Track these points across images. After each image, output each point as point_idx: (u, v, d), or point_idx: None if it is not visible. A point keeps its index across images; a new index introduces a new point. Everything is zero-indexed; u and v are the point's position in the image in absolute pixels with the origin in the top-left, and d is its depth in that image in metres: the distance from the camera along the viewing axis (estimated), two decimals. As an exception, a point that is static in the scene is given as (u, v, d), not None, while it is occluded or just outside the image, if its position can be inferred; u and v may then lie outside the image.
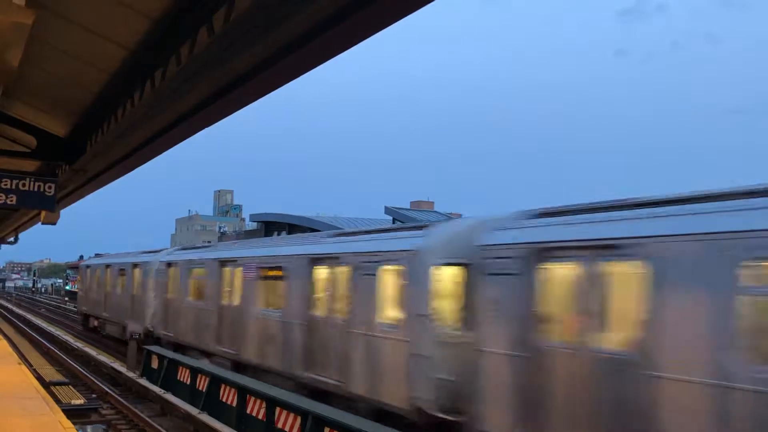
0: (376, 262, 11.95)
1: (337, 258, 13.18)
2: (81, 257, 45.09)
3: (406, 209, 47.48)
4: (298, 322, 14.22)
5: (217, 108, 6.46)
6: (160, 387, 16.43)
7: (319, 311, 13.76)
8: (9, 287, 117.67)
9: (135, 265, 26.22)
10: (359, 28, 4.42)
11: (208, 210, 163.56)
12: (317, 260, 13.94)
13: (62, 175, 11.61)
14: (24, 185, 10.67)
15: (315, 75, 5.54)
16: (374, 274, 11.89)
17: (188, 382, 15.56)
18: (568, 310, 8.48)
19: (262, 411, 12.12)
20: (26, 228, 24.25)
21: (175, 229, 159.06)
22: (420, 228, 12.23)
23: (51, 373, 19.43)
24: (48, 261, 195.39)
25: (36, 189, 10.80)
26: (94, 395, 17.60)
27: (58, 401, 14.34)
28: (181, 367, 16.36)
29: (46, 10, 5.87)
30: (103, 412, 15.58)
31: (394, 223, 36.45)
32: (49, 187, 10.95)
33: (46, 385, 16.27)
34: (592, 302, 8.07)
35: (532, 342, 8.61)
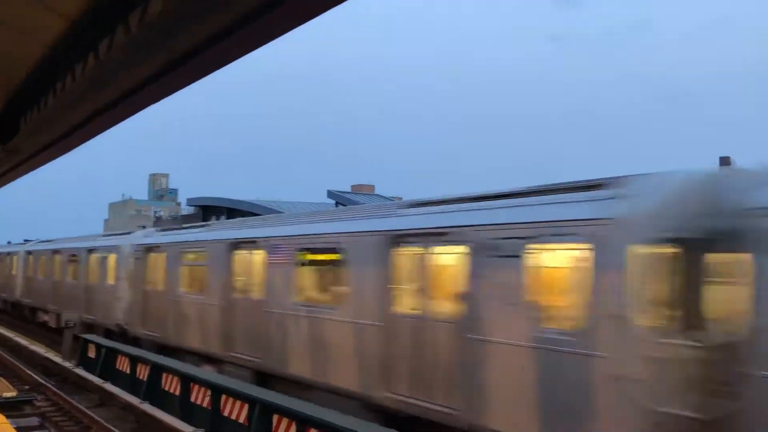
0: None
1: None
2: (9, 243, 43.35)
3: (348, 192, 47.39)
4: None
5: (167, 82, 6.12)
6: (99, 377, 15.92)
7: None
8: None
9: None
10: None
11: (142, 194, 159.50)
12: None
13: (-8, 155, 10.96)
14: (-49, 165, 10.04)
15: (253, 56, 5.25)
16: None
17: (128, 371, 15.11)
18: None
19: (207, 399, 11.85)
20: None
21: (109, 214, 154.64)
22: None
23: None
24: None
25: (-36, 169, 10.17)
26: (27, 387, 16.90)
27: (-12, 394, 13.72)
28: (120, 356, 15.87)
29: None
30: (38, 404, 14.95)
31: (336, 206, 36.13)
32: (-21, 168, 10.33)
33: (-25, 377, 15.56)
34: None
35: None
